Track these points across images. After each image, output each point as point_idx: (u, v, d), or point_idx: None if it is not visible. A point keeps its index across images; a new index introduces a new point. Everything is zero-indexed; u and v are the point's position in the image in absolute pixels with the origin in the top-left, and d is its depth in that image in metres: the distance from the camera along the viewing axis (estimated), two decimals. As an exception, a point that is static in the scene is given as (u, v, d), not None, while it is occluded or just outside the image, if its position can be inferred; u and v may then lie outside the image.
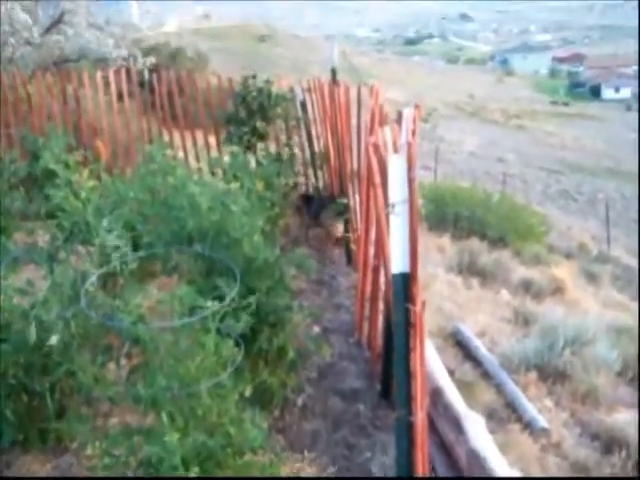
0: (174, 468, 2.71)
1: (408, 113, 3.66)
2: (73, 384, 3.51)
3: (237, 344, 3.13)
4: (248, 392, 2.99)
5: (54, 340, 3.02)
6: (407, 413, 2.58)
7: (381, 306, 4.73)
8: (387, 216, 2.84)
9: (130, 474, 2.91)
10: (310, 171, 9.35)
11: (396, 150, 3.32)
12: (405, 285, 2.63)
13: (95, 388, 3.41)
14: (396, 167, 2.49)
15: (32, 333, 3.04)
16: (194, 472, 2.69)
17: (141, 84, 10.00)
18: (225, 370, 2.83)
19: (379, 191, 3.70)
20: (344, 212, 7.28)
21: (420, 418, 2.62)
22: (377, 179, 3.73)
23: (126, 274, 3.57)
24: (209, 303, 2.78)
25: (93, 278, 3.11)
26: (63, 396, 3.58)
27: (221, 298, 3.15)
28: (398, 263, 2.56)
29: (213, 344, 2.79)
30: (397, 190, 2.51)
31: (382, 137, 3.68)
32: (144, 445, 2.75)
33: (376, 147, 3.48)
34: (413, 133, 3.36)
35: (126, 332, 3.05)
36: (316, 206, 8.64)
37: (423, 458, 2.83)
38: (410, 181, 2.47)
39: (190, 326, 2.85)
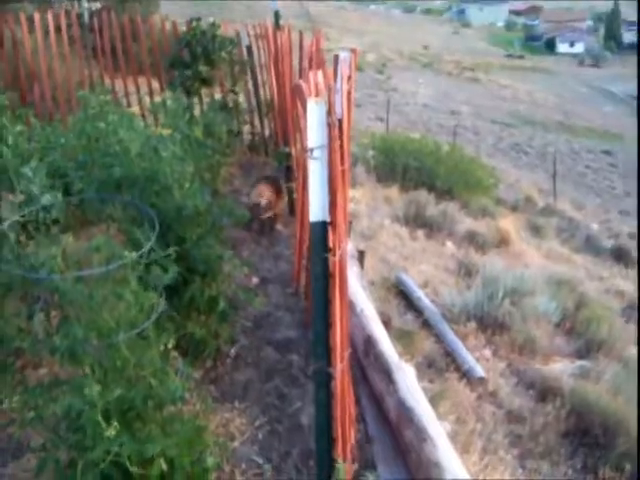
0: (95, 421, 2.64)
1: (344, 57, 3.52)
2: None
3: (162, 295, 3.02)
4: (171, 343, 2.90)
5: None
6: (325, 364, 2.53)
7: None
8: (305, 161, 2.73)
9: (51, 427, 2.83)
10: (256, 120, 9.20)
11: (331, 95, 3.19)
12: (324, 234, 2.52)
13: (18, 340, 3.30)
14: (315, 111, 2.37)
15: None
16: (114, 424, 2.63)
17: (81, 26, 9.60)
18: (146, 321, 2.74)
19: (304, 136, 3.54)
20: (286, 160, 7.15)
21: (339, 370, 2.57)
22: (302, 123, 3.57)
23: (49, 222, 3.42)
24: (126, 253, 2.66)
25: (5, 225, 2.97)
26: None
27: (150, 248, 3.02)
28: (316, 211, 2.44)
29: (132, 294, 2.68)
30: (315, 135, 2.39)
31: (314, 81, 3.54)
32: (65, 397, 2.67)
33: (299, 89, 3.33)
34: (349, 78, 3.25)
35: (46, 283, 2.93)
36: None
37: (343, 410, 2.79)
38: (329, 126, 2.36)
39: (109, 276, 2.73)
